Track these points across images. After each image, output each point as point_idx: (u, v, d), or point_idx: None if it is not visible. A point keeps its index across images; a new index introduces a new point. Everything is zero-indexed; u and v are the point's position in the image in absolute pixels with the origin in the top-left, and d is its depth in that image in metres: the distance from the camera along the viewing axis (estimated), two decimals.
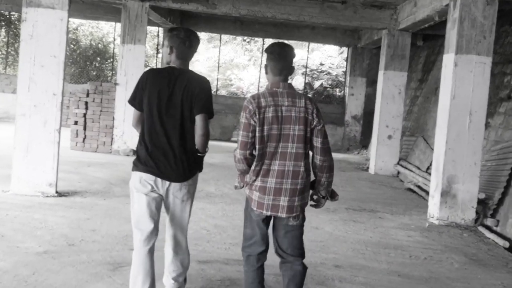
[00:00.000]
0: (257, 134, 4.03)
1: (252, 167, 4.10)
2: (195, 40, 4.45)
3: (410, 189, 12.38)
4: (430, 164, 12.73)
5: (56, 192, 8.42)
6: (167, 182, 4.28)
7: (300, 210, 4.21)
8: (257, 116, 4.02)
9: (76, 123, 13.80)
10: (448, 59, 9.07)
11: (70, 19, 23.69)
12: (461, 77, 8.86)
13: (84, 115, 13.79)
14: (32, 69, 8.27)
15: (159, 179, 4.26)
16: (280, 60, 4.17)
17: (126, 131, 13.69)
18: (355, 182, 12.87)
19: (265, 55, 4.62)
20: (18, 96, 8.30)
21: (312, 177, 4.28)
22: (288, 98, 4.10)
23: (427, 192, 11.43)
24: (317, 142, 4.15)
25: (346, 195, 10.98)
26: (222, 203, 9.05)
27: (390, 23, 14.12)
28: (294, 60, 4.35)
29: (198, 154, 4.37)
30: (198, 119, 4.28)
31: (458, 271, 6.48)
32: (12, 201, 7.81)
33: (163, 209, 4.46)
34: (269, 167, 4.08)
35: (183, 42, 4.37)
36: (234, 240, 6.84)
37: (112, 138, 13.78)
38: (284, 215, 4.12)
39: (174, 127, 4.25)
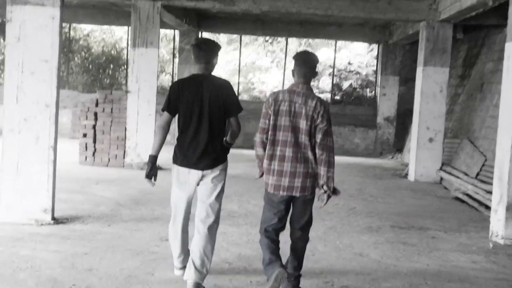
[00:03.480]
0: (270, 123, 4.90)
1: (267, 152, 4.92)
2: (208, 42, 5.23)
3: (458, 198, 10.99)
4: (480, 170, 11.34)
5: (53, 218, 7.19)
6: (200, 172, 5.07)
7: (312, 190, 4.96)
8: (272, 107, 4.90)
9: (85, 135, 12.60)
10: None
11: (80, 25, 22.89)
12: None
13: (94, 126, 12.60)
14: (20, 77, 7.07)
15: (192, 170, 5.07)
16: (303, 65, 4.97)
17: (140, 142, 12.49)
18: (395, 192, 11.50)
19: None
20: (5, 109, 7.09)
21: None
22: (302, 97, 4.91)
23: (480, 203, 10.08)
24: (317, 138, 4.88)
25: (388, 208, 9.65)
26: (246, 225, 7.76)
27: (429, 14, 12.76)
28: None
29: (227, 143, 5.17)
30: (232, 120, 5.16)
31: None
32: None
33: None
34: (284, 153, 4.87)
35: (197, 47, 5.15)
36: (262, 277, 5.54)
37: (124, 151, 12.57)
38: (298, 194, 4.90)
39: (203, 125, 5.04)
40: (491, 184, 10.30)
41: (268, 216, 5.02)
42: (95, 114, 12.60)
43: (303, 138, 4.85)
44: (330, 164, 4.86)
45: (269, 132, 4.90)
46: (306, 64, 4.97)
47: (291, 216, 5.07)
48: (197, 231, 5.09)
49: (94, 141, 12.57)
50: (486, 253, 7.10)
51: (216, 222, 5.16)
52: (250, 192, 10.06)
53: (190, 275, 4.98)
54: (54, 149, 7.17)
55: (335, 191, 4.95)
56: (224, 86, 5.14)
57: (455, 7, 11.38)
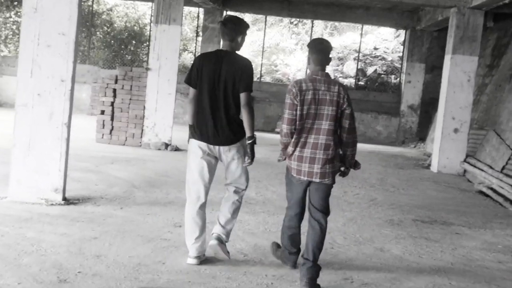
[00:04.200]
0: (298, 112, 4.92)
1: (292, 140, 5.00)
2: (233, 20, 5.27)
3: (482, 192, 10.64)
4: (506, 164, 10.96)
5: (64, 198, 6.96)
6: (217, 146, 5.17)
7: (331, 176, 5.08)
8: (299, 98, 4.92)
9: (103, 112, 12.36)
10: None
11: None
12: None
13: (112, 103, 12.34)
14: (35, 50, 6.80)
15: (210, 145, 5.17)
16: (320, 53, 5.06)
17: (158, 122, 12.24)
18: (418, 184, 11.17)
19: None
20: (18, 83, 6.85)
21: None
22: (325, 84, 4.99)
23: (505, 198, 9.73)
24: (345, 123, 5.02)
25: (411, 201, 9.33)
26: (263, 213, 7.48)
27: (460, 0, 12.30)
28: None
29: (248, 141, 5.14)
30: (242, 96, 5.12)
31: None
32: (7, 212, 6.34)
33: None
34: (306, 140, 4.98)
35: (223, 24, 5.21)
36: (278, 271, 5.29)
37: (142, 130, 12.32)
38: (317, 180, 5.03)
39: (220, 101, 5.12)
40: None
41: (289, 196, 5.28)
42: (114, 91, 12.36)
43: (327, 125, 4.95)
44: (355, 144, 5.16)
45: (298, 122, 4.94)
46: (324, 52, 5.09)
47: (310, 200, 5.18)
48: (228, 198, 5.40)
49: (112, 119, 12.34)
50: None
51: (244, 190, 5.46)
52: (269, 178, 9.79)
53: (215, 229, 5.33)
54: (68, 126, 6.93)
55: (356, 165, 5.27)
56: (244, 64, 5.17)
57: None
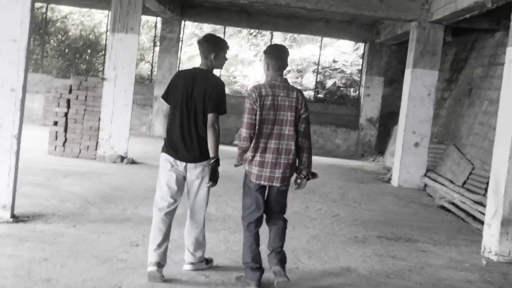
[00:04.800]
0: (257, 117, 4.98)
1: (251, 145, 5.05)
2: (207, 38, 5.39)
3: (443, 207, 10.54)
4: (467, 178, 10.89)
5: (12, 216, 6.53)
6: (184, 163, 5.21)
7: (289, 180, 5.18)
8: (258, 103, 4.98)
9: (56, 123, 11.87)
10: None
11: (59, 6, 22.19)
12: None
13: (66, 114, 11.86)
14: None
15: (178, 161, 5.22)
16: (279, 59, 5.17)
17: (114, 134, 11.82)
18: (379, 198, 11.02)
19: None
20: None
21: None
22: (284, 90, 5.10)
23: (467, 213, 9.62)
24: (300, 127, 5.14)
25: (373, 216, 9.16)
26: (224, 231, 7.19)
27: (420, 14, 12.28)
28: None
29: (210, 160, 5.19)
30: (209, 116, 5.16)
31: None
32: None
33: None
34: (266, 145, 5.05)
35: (198, 42, 5.40)
36: None
37: (97, 142, 11.87)
38: (278, 184, 5.12)
39: (190, 119, 5.18)
40: (479, 194, 9.88)
41: (247, 203, 5.22)
42: (68, 101, 11.90)
43: (287, 130, 5.06)
44: (310, 151, 5.24)
45: (257, 127, 5.01)
46: (282, 58, 5.21)
47: (269, 204, 5.27)
48: (188, 222, 5.45)
49: (65, 130, 11.86)
50: (480, 271, 6.63)
51: (205, 213, 5.49)
52: (228, 193, 9.47)
53: (186, 258, 5.49)
54: (18, 139, 6.53)
55: (313, 175, 5.28)
56: (214, 85, 5.23)
57: (449, 8, 10.89)
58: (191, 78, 5.26)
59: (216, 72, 5.64)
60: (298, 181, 5.25)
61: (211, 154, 5.16)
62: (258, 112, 4.98)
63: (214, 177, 5.23)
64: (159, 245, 5.15)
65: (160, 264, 5.10)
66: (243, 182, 5.28)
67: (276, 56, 5.17)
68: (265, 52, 5.29)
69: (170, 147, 5.26)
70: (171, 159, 5.24)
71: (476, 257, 7.23)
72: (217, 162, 5.19)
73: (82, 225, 6.71)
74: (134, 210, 7.73)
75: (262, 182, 5.09)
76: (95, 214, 7.35)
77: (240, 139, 5.14)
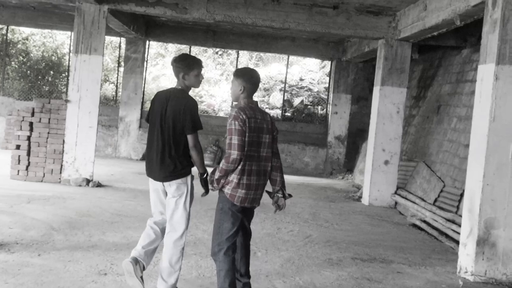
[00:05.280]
0: (246, 139, 4.95)
1: (238, 168, 4.98)
2: (176, 58, 5.40)
3: (415, 225, 10.46)
4: (438, 196, 10.85)
5: None
6: (160, 183, 5.31)
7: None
8: (247, 124, 4.95)
9: (18, 147, 11.52)
10: (486, 70, 7.15)
11: (19, 28, 21.76)
12: (503, 93, 6.97)
13: (28, 138, 11.53)
14: None
15: (154, 181, 5.36)
16: (255, 84, 5.22)
17: (79, 157, 11.52)
18: (351, 217, 10.88)
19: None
20: None
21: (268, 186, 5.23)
22: (260, 113, 5.17)
23: (439, 231, 9.55)
24: (273, 148, 5.23)
25: (347, 236, 9.01)
26: (195, 256, 6.96)
27: (388, 31, 12.28)
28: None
29: (201, 176, 5.31)
30: (188, 138, 5.24)
31: None
32: None
33: None
34: (251, 167, 5.03)
35: (171, 63, 5.43)
36: None
37: (61, 165, 11.55)
38: (257, 205, 5.19)
39: (164, 138, 5.26)
40: (451, 211, 9.83)
41: (227, 227, 5.06)
42: (31, 124, 11.57)
43: (265, 152, 5.13)
44: (282, 170, 5.33)
45: (246, 149, 4.97)
46: (258, 83, 5.28)
47: (245, 225, 5.30)
48: (164, 244, 5.36)
49: (28, 154, 11.53)
50: None
51: (181, 235, 5.34)
52: (198, 215, 9.24)
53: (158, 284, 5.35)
54: None
55: (289, 195, 5.32)
56: (184, 105, 5.25)
57: (417, 26, 10.89)
58: (165, 98, 5.33)
59: None
60: (279, 202, 5.25)
61: (200, 171, 5.28)
62: (246, 134, 4.96)
63: (206, 188, 5.29)
64: (143, 247, 5.29)
65: (137, 261, 5.18)
66: (218, 207, 5.12)
67: (254, 82, 5.19)
68: (240, 75, 5.23)
69: (148, 167, 5.41)
70: (151, 179, 5.42)
71: (452, 277, 7.13)
72: (206, 176, 5.29)
73: (47, 254, 6.43)
74: (101, 236, 7.46)
75: (246, 205, 5.07)
76: (60, 241, 7.06)
77: (228, 161, 4.95)
